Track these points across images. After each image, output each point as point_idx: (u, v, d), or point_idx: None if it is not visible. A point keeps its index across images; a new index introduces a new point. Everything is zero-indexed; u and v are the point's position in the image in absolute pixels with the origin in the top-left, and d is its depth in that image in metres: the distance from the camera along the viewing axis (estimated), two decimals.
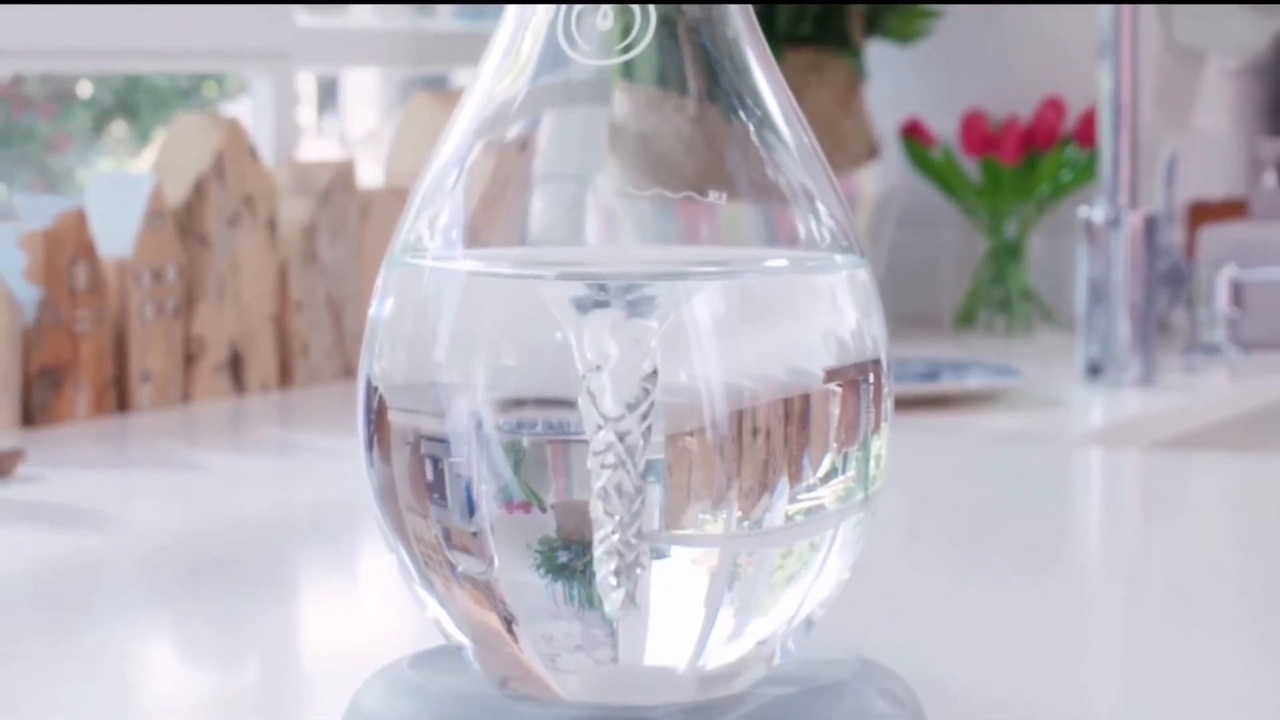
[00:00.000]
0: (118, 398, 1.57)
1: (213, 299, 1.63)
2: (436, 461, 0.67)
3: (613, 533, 0.66)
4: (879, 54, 2.24)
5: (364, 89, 2.57)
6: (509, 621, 0.68)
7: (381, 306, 0.70)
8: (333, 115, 2.58)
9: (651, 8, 0.68)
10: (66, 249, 1.51)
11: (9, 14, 1.74)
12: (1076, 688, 0.85)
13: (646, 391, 0.65)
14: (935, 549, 1.19)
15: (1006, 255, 2.19)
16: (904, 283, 2.25)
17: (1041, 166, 2.18)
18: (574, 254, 0.71)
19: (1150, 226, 1.88)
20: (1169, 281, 1.97)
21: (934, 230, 2.30)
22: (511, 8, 0.70)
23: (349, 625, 1.06)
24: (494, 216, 0.70)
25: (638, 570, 0.66)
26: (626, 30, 0.69)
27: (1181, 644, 0.92)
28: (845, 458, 0.68)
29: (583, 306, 0.66)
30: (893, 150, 2.25)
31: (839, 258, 0.70)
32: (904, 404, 1.58)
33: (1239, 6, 2.43)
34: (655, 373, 0.65)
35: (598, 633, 0.67)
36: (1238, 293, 1.98)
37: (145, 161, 1.98)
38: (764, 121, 0.70)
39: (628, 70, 0.69)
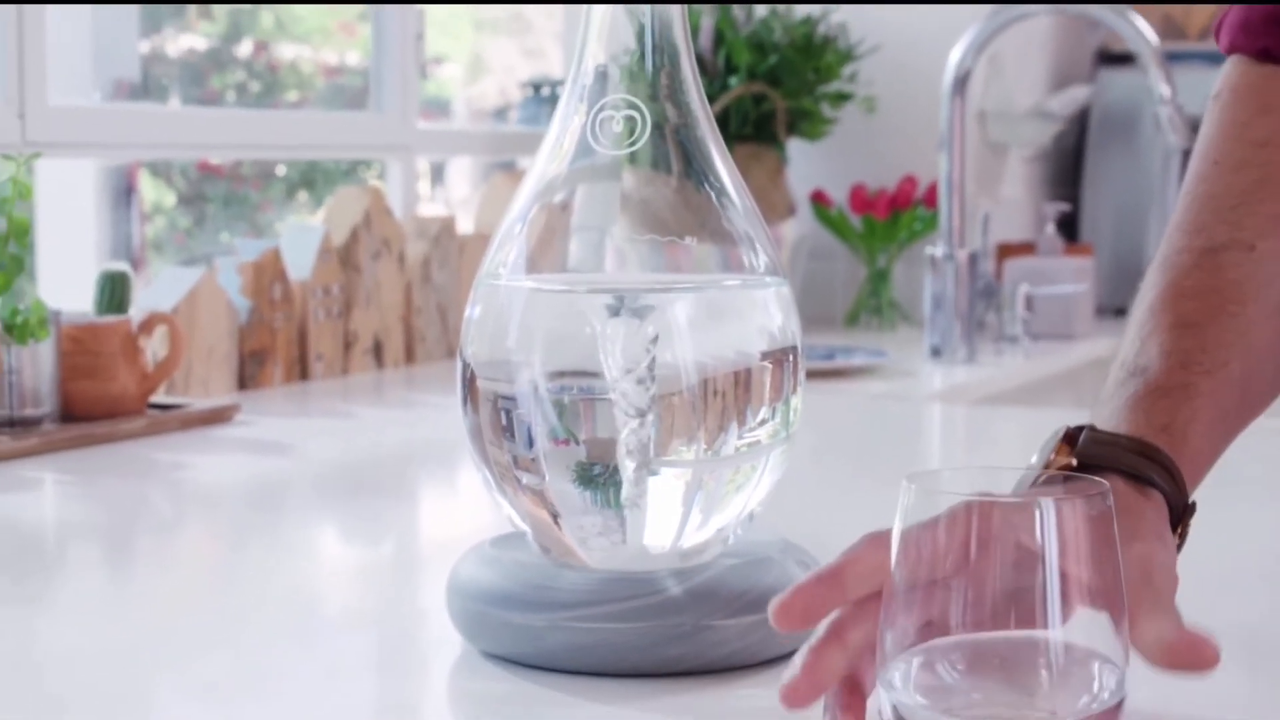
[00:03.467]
0: (301, 371, 1.56)
1: (363, 306, 1.63)
2: (508, 412, 0.67)
3: (632, 459, 0.66)
4: (796, 147, 2.24)
5: (461, 170, 2.57)
6: (555, 516, 0.67)
7: (473, 311, 0.70)
8: (441, 187, 2.57)
9: (648, 116, 0.68)
10: (268, 274, 1.51)
11: (234, 123, 1.74)
12: None
13: (649, 367, 0.66)
14: (834, 469, 1.19)
15: (879, 278, 2.19)
16: (812, 296, 2.25)
17: (902, 221, 2.17)
18: (597, 278, 0.71)
19: (972, 260, 1.88)
20: (984, 295, 1.97)
21: (831, 262, 2.30)
22: (556, 119, 0.70)
23: (450, 519, 1.06)
24: (545, 254, 0.70)
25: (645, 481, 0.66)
26: (631, 132, 0.69)
27: None
28: (774, 410, 0.68)
29: (612, 310, 0.66)
30: (805, 210, 2.24)
31: (769, 280, 0.70)
32: (812, 375, 1.57)
33: (1030, 114, 2.43)
34: (654, 360, 0.66)
35: (613, 524, 0.67)
36: (1029, 302, 1.98)
37: (319, 217, 1.97)
38: (721, 191, 0.70)
39: (632, 158, 0.69)
